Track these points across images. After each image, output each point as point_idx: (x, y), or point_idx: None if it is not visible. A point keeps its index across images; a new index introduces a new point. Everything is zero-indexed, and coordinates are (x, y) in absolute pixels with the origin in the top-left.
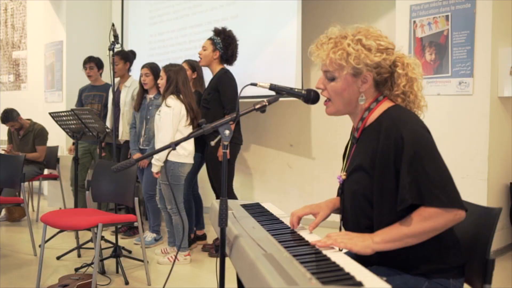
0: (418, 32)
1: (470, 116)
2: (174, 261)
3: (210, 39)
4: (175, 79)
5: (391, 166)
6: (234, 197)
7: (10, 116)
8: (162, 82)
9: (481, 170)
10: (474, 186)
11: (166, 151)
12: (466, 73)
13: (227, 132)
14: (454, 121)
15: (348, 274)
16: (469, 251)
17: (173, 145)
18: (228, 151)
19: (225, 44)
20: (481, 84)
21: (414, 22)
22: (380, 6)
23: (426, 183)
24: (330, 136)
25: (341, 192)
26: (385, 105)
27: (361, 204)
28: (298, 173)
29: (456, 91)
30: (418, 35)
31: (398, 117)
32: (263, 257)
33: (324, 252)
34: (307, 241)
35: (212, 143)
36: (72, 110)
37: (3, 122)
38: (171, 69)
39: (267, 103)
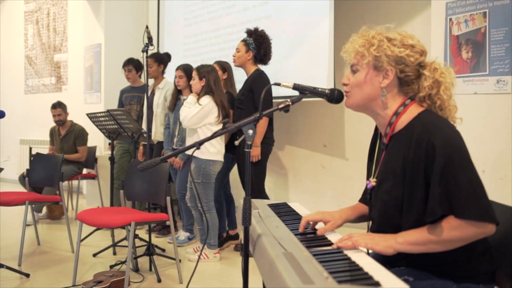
0: (454, 30)
1: (509, 115)
2: (199, 257)
3: (243, 40)
4: (207, 79)
5: (421, 175)
6: (266, 197)
7: (62, 104)
8: (194, 82)
9: None
10: None
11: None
12: (505, 71)
13: (250, 131)
14: (492, 121)
15: (366, 274)
16: (499, 254)
17: (197, 145)
18: (251, 150)
19: (257, 43)
20: None
21: (450, 19)
22: (415, 4)
23: (457, 195)
24: (364, 137)
25: (369, 198)
26: (414, 109)
27: (390, 214)
28: (332, 174)
29: (494, 90)
30: (454, 32)
31: (430, 123)
32: (283, 255)
33: (346, 252)
34: (329, 241)
35: (236, 142)
36: (108, 111)
37: (54, 107)
38: (203, 70)
39: (290, 103)
